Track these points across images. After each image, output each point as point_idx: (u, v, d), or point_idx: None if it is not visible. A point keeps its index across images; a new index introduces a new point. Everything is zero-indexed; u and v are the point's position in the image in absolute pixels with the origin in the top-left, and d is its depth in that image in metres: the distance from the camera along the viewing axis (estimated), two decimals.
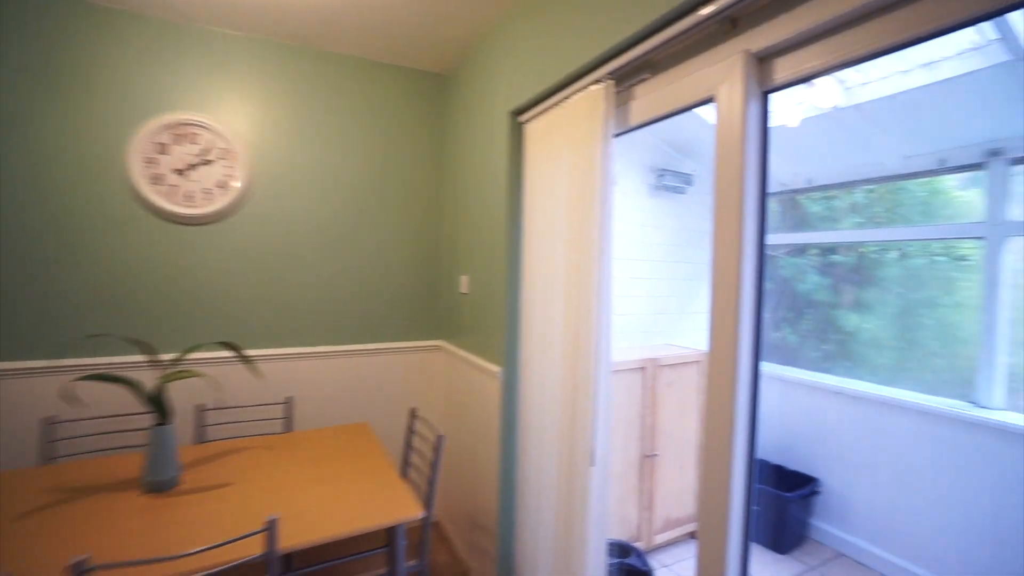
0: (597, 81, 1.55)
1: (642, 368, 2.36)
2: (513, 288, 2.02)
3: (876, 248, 3.16)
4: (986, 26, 1.77)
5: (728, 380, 1.16)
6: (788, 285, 3.45)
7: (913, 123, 2.25)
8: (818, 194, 3.33)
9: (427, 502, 1.74)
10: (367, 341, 2.63)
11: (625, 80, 1.52)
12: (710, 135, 2.93)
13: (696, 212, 3.29)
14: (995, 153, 2.14)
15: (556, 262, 1.73)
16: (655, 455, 2.42)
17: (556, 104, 1.77)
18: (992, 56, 1.81)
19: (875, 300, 3.24)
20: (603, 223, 1.51)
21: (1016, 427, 1.97)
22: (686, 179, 3.17)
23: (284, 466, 1.71)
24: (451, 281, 2.62)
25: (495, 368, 2.04)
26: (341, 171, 2.55)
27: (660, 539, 2.47)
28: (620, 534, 2.35)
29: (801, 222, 3.49)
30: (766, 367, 3.07)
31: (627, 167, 3.01)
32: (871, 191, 3.18)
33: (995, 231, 2.13)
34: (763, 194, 1.16)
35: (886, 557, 2.36)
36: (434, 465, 1.76)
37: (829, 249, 3.34)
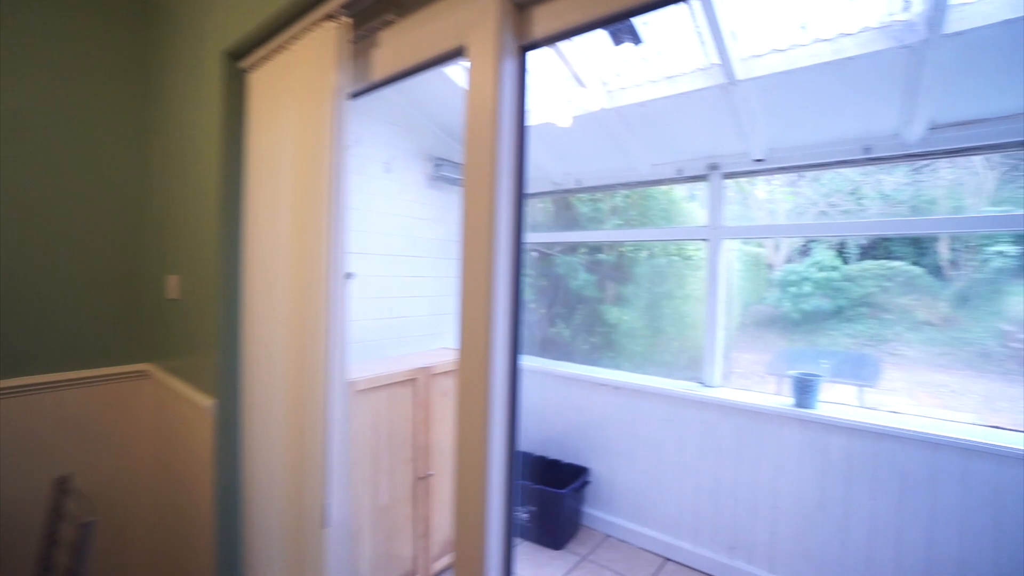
0: (331, 17, 1.17)
1: (413, 379, 2.07)
2: (230, 291, 1.49)
3: (632, 248, 3.51)
4: (711, 49, 1.97)
5: (480, 389, 0.92)
6: (562, 282, 3.62)
7: (659, 133, 2.46)
8: (586, 195, 3.56)
9: None
10: (20, 373, 1.73)
11: (367, 22, 1.18)
12: None
13: None
14: (714, 167, 2.47)
15: (279, 257, 1.30)
16: (430, 475, 2.16)
17: (284, 46, 1.33)
18: (713, 77, 2.03)
19: (631, 295, 3.62)
20: (334, 208, 1.14)
21: (729, 402, 2.29)
22: None
23: None
24: (160, 282, 1.91)
25: (207, 401, 1.49)
26: None
27: (438, 565, 2.23)
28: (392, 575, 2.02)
29: (573, 222, 3.69)
30: (543, 364, 3.12)
31: (403, 154, 2.69)
32: (628, 196, 3.52)
33: (715, 234, 2.46)
34: (520, 170, 0.95)
35: (642, 531, 2.56)
36: (79, 560, 1.14)
37: (596, 248, 3.60)
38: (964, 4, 1.60)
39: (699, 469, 2.39)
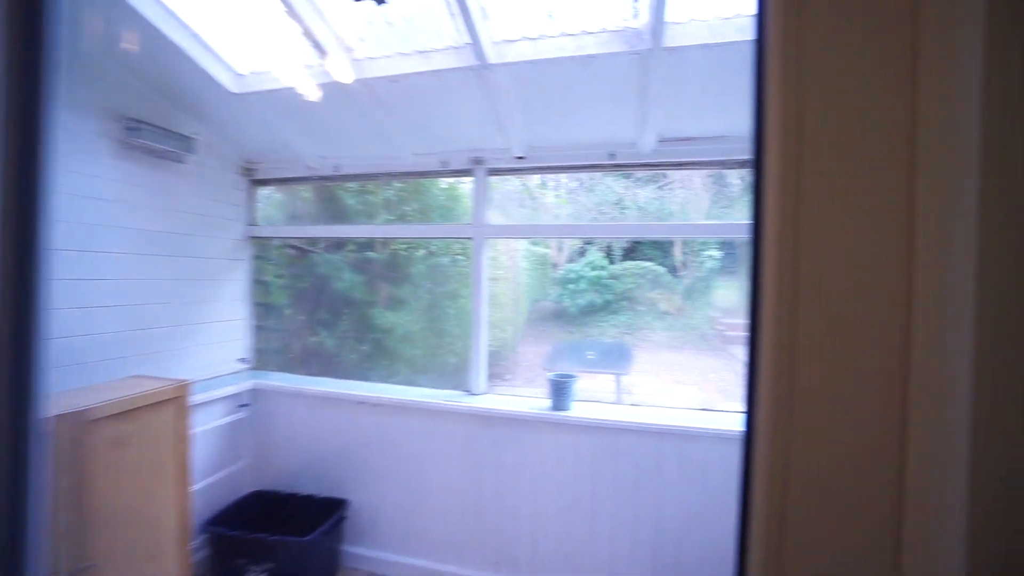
0: None
1: (53, 430, 1.40)
2: None
3: (406, 246, 3.23)
4: (462, 27, 1.78)
5: None
6: (327, 284, 3.14)
7: (418, 117, 2.21)
8: (355, 186, 3.15)
9: None
10: None
11: None
12: (221, 97, 2.19)
13: (204, 191, 2.48)
14: (478, 162, 2.34)
15: None
16: (90, 566, 1.51)
17: None
18: (466, 58, 1.85)
19: (408, 297, 3.34)
20: None
21: (490, 411, 2.18)
22: (186, 144, 2.31)
23: None
24: None
25: None
26: None
27: None
28: None
29: (340, 215, 3.24)
30: (297, 383, 2.62)
31: (74, 111, 1.90)
32: (403, 188, 3.23)
33: (479, 232, 2.33)
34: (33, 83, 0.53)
35: (408, 562, 2.30)
36: None
37: (366, 245, 3.22)
38: (678, 23, 1.71)
39: (463, 485, 2.23)
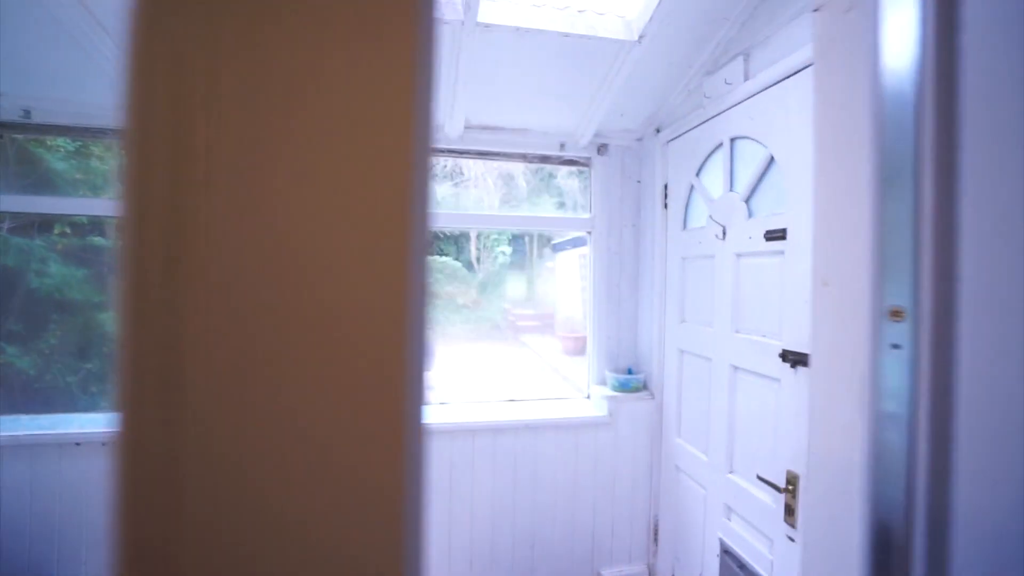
0: None
1: None
2: None
3: None
4: None
5: None
6: (17, 280, 2.22)
7: None
8: (67, 144, 2.29)
9: None
10: None
11: None
12: None
13: None
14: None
15: None
16: None
17: None
18: None
19: None
20: None
21: None
22: None
23: None
24: None
25: None
26: None
27: None
28: None
29: (41, 184, 2.33)
30: None
31: None
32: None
33: None
34: None
35: None
36: None
37: (90, 226, 2.39)
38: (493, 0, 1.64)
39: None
